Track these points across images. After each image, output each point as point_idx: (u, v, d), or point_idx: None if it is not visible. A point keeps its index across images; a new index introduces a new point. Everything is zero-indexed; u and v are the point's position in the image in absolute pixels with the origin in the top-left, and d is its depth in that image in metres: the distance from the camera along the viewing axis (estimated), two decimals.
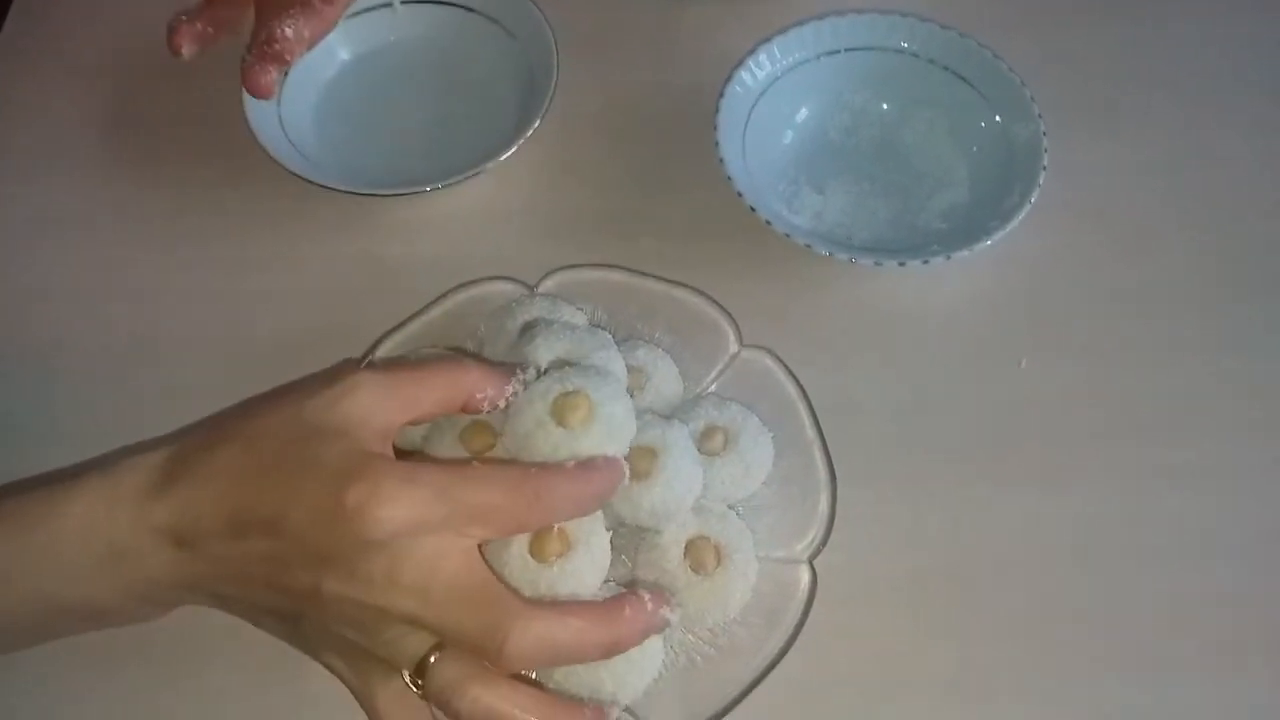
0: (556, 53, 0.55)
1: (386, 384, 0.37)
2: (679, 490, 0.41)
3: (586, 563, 0.38)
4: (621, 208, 0.55)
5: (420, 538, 0.34)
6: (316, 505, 0.34)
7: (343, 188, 0.51)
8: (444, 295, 0.49)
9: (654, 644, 0.40)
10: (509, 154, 0.52)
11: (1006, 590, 0.45)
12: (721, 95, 0.53)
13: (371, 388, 0.36)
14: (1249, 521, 0.47)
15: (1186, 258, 0.54)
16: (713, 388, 0.48)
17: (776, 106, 0.56)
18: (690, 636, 0.42)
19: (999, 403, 0.50)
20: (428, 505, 0.34)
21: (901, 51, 0.56)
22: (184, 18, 0.51)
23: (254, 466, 0.35)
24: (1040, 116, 0.53)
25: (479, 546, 0.36)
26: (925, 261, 0.49)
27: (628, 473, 0.39)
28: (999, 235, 0.50)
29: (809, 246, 0.49)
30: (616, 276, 0.50)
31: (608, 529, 0.40)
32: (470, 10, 0.59)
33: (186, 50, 0.50)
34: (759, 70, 0.55)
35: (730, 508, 0.44)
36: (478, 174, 0.52)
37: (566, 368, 0.41)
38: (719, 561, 0.41)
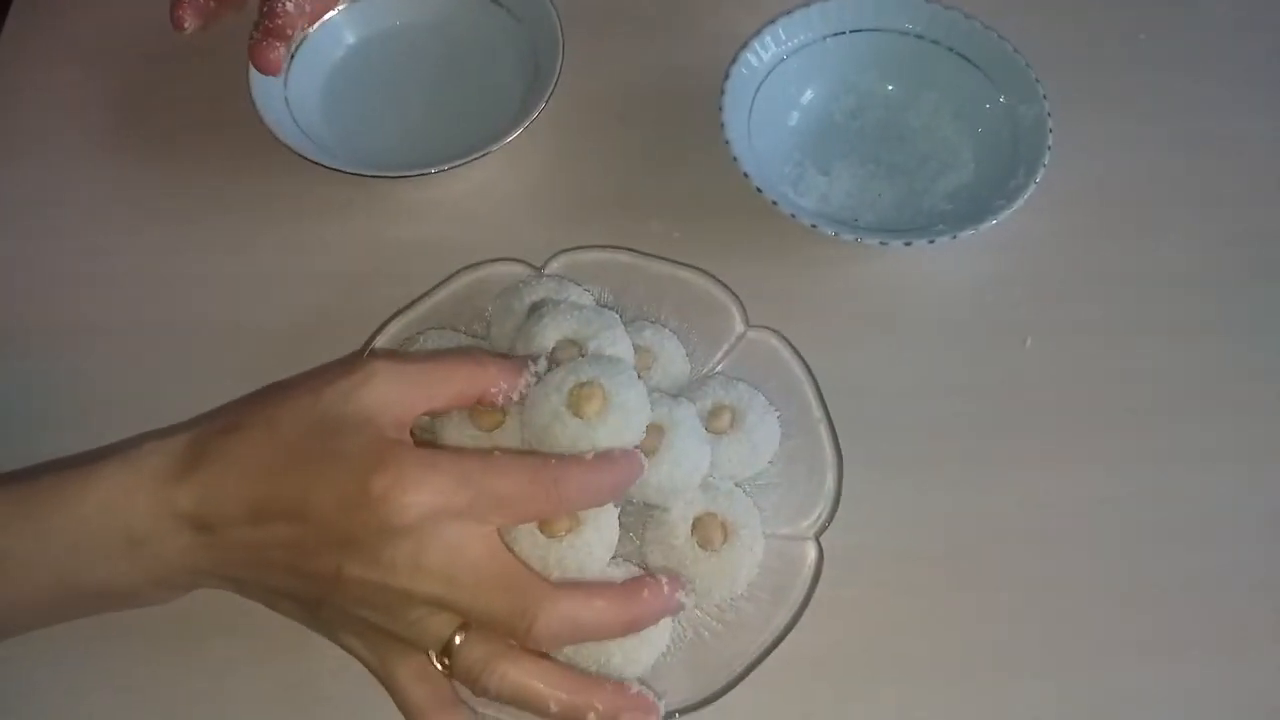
0: (562, 35, 0.55)
1: (405, 374, 0.37)
2: (686, 467, 0.41)
3: (595, 539, 0.39)
4: (628, 189, 0.55)
5: (443, 523, 0.34)
6: (341, 492, 0.34)
7: (349, 170, 0.52)
8: (451, 277, 0.49)
9: (662, 619, 0.41)
10: (515, 136, 0.52)
11: (1013, 570, 0.46)
12: (727, 77, 0.54)
13: (389, 376, 0.37)
14: (1257, 502, 0.48)
15: (1193, 239, 0.54)
16: (720, 368, 0.48)
17: (782, 88, 0.56)
18: (698, 612, 0.42)
19: (1005, 383, 0.50)
20: (451, 492, 0.34)
21: (906, 33, 0.57)
22: None
23: (275, 454, 0.36)
24: (1045, 97, 0.53)
25: None
26: (931, 241, 0.49)
27: (646, 465, 0.39)
28: (1005, 215, 0.50)
29: (815, 227, 0.49)
30: (623, 258, 0.50)
31: (616, 506, 0.40)
32: None
33: (189, 23, 0.50)
34: (764, 52, 0.55)
35: (737, 485, 0.44)
36: (484, 156, 0.52)
37: (579, 358, 0.41)
38: (726, 538, 0.42)
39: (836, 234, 0.49)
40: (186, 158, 0.56)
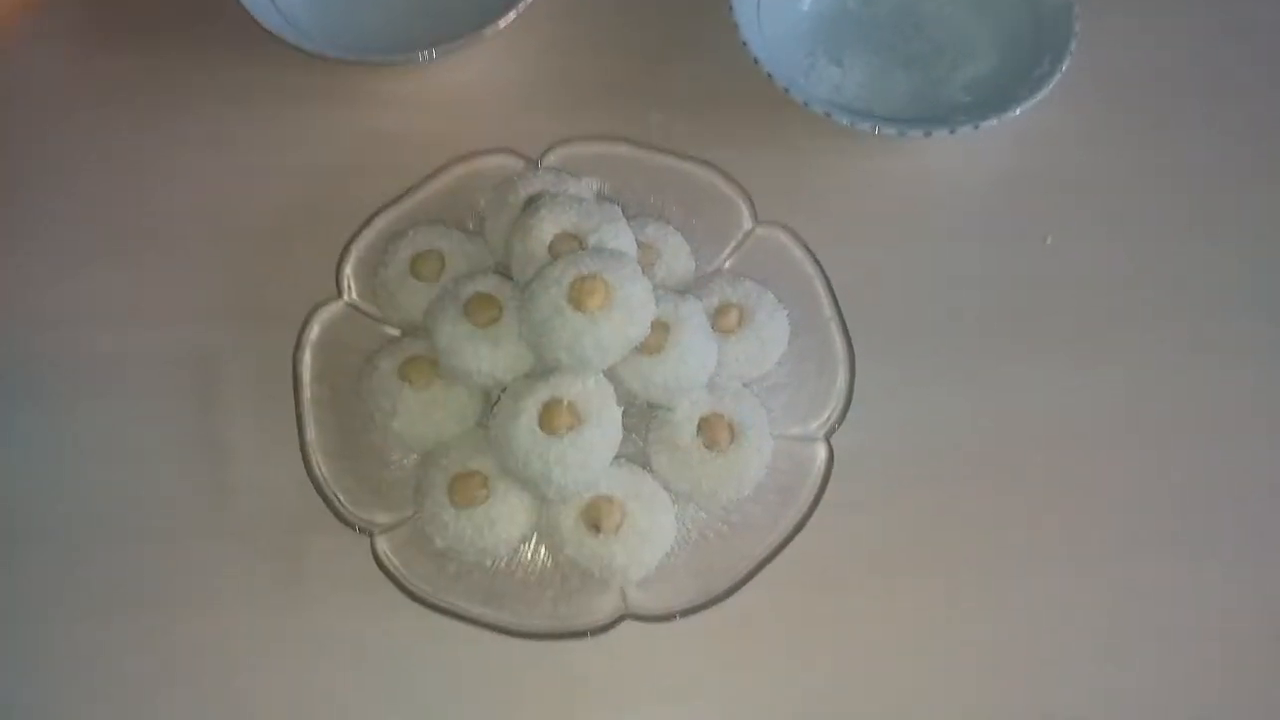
0: None
1: None
2: (692, 365, 0.39)
3: (597, 438, 0.37)
4: (629, 78, 0.52)
5: None
6: None
7: (334, 55, 0.48)
8: (441, 169, 0.47)
9: (666, 520, 0.39)
10: (509, 20, 0.49)
11: (1028, 469, 0.44)
12: None
13: None
14: None
15: (1218, 134, 0.52)
16: (726, 265, 0.46)
17: None
18: (702, 514, 0.41)
19: (1024, 280, 0.48)
20: None
21: None
22: None
23: None
24: None
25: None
26: (952, 131, 0.46)
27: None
28: (1028, 104, 0.47)
29: (829, 116, 0.47)
30: (623, 150, 0.47)
31: (621, 406, 0.38)
32: None
33: None
34: None
35: (744, 386, 0.42)
36: (476, 42, 0.49)
37: (579, 250, 0.39)
38: (733, 439, 0.40)
39: (852, 123, 0.47)
40: (163, 46, 0.53)
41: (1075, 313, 0.47)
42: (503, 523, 0.38)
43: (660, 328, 0.39)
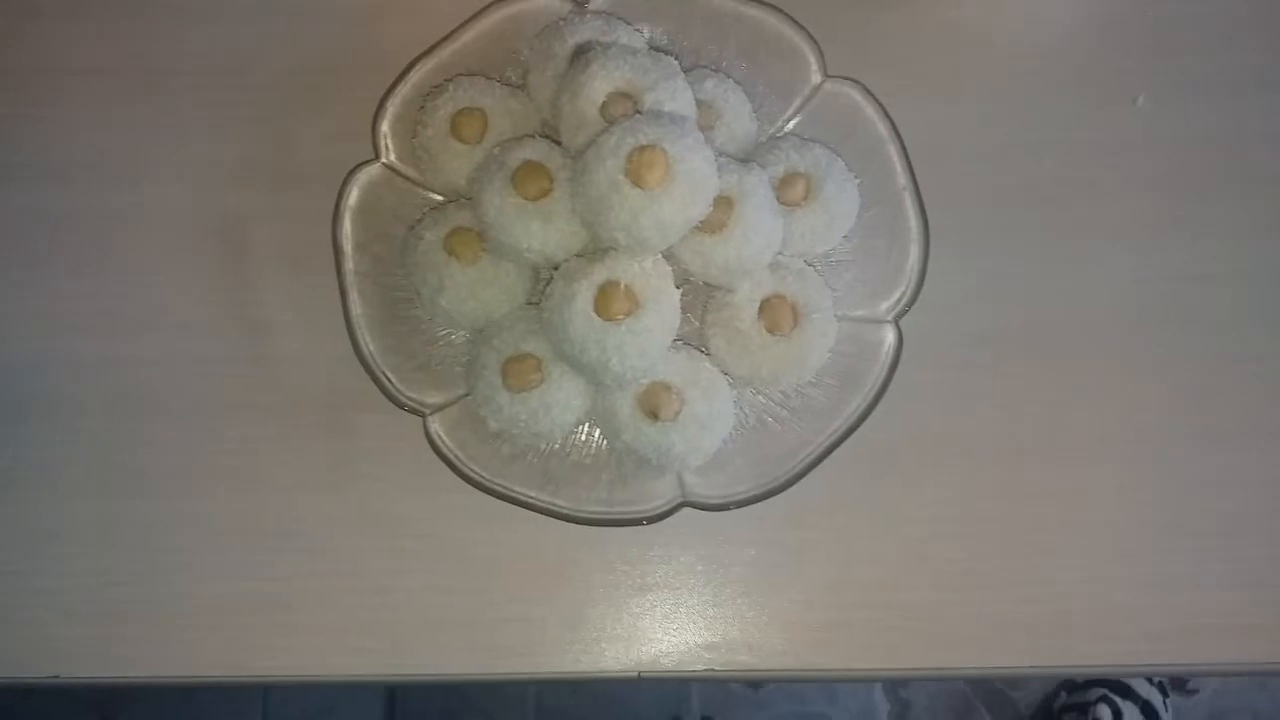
0: None
1: None
2: (756, 245, 0.37)
3: (655, 322, 0.35)
4: None
5: None
6: None
7: None
8: (479, 14, 0.42)
9: (724, 406, 0.38)
10: None
11: (1101, 353, 0.42)
12: None
13: None
14: None
15: None
16: (791, 126, 0.42)
17: None
18: (762, 398, 0.40)
19: (1110, 145, 0.44)
20: None
21: None
22: None
23: None
24: None
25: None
26: None
27: None
28: None
29: None
30: None
31: (677, 286, 0.36)
32: None
33: None
34: None
35: (808, 264, 0.40)
36: None
37: (637, 115, 0.35)
38: (796, 322, 0.38)
39: None
40: None
41: (1163, 181, 0.44)
42: (558, 409, 0.37)
43: (723, 203, 0.36)
